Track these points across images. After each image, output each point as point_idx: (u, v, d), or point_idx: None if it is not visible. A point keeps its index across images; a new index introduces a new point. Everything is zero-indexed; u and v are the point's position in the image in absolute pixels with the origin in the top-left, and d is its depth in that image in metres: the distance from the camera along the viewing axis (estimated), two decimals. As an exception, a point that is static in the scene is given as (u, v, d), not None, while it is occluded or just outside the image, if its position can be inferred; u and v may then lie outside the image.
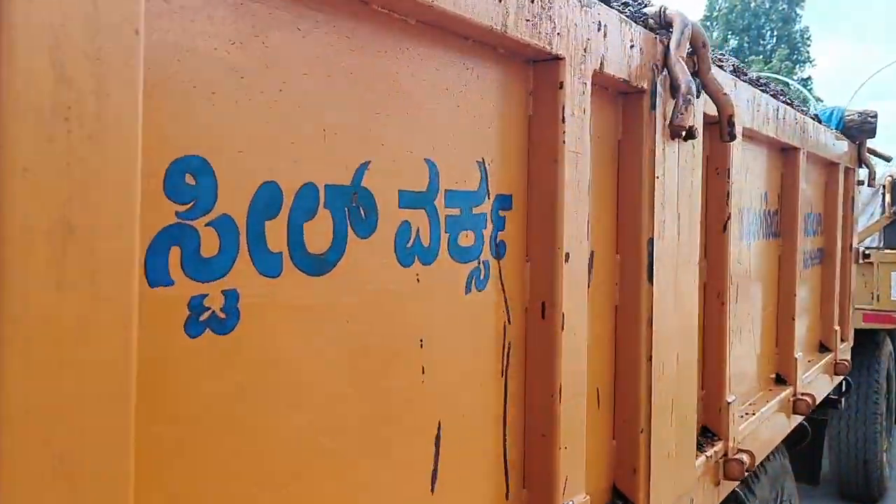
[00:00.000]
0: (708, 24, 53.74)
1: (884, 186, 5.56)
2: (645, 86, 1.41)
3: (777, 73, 41.55)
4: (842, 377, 3.16)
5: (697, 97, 1.56)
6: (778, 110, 2.30)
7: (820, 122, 3.42)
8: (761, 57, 46.53)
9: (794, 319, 2.49)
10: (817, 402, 3.01)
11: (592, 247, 1.26)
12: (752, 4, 51.57)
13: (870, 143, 3.89)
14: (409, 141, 0.97)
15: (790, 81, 40.27)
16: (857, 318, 5.67)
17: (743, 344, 2.15)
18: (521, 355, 1.16)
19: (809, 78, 49.59)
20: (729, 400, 1.87)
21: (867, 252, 3.67)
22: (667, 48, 1.44)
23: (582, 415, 1.21)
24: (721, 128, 1.62)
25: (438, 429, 1.00)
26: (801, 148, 2.49)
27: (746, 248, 2.19)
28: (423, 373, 0.98)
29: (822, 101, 46.27)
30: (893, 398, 6.25)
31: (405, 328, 0.96)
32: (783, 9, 51.24)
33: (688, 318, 1.62)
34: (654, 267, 1.41)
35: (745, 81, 2.08)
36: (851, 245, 3.45)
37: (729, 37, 51.89)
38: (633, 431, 1.41)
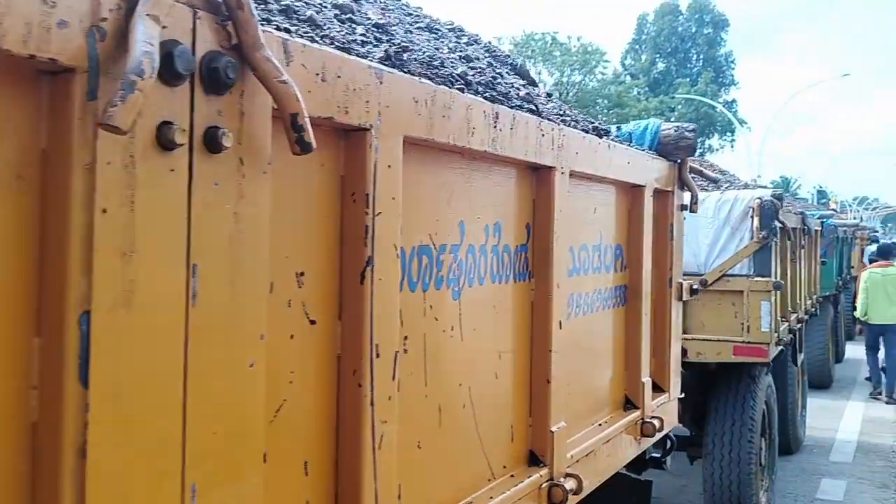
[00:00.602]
0: (637, 47, 55.12)
1: (752, 209, 5.24)
2: (76, 63, 0.87)
3: (703, 95, 42.82)
4: (655, 436, 2.69)
5: (231, 83, 1.03)
6: (514, 120, 1.81)
7: (630, 138, 2.99)
8: (688, 80, 47.96)
9: (549, 383, 2.00)
10: (619, 468, 2.53)
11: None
12: (679, 29, 53.22)
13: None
14: None
15: (716, 105, 41.54)
16: (726, 351, 5.33)
17: (447, 436, 1.64)
18: None
19: (734, 100, 51.36)
20: None
21: (696, 289, 3.22)
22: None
23: None
24: (287, 134, 1.09)
25: None
26: (555, 167, 2.02)
27: (452, 298, 1.68)
28: None
29: (745, 122, 48.01)
30: (775, 433, 5.93)
31: None
32: (708, 33, 53.11)
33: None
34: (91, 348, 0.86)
35: (431, 76, 1.57)
36: (672, 279, 3.01)
37: (657, 59, 53.35)
38: None
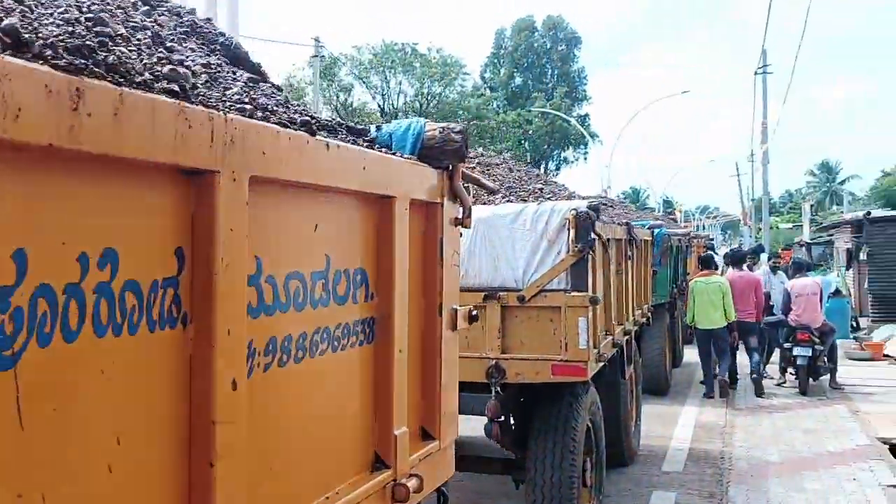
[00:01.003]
0: (496, 61, 56.57)
1: (568, 221, 5.03)
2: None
3: (558, 109, 44.51)
4: (412, 499, 2.23)
5: None
6: (123, 102, 1.26)
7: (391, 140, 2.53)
8: (544, 94, 49.72)
9: (212, 466, 1.47)
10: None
11: None
12: (535, 44, 55.19)
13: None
14: None
15: (570, 119, 43.25)
16: (545, 370, 5.07)
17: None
18: None
19: (587, 115, 53.83)
20: None
21: (475, 314, 2.81)
22: None
23: None
24: None
25: None
26: (218, 171, 1.50)
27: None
28: None
29: (597, 136, 50.48)
30: (602, 451, 5.75)
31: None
32: (562, 49, 55.41)
33: None
34: None
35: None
36: (443, 306, 2.59)
37: (515, 74, 54.99)
38: None
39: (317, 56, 27.13)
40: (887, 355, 13.36)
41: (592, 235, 4.99)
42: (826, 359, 10.41)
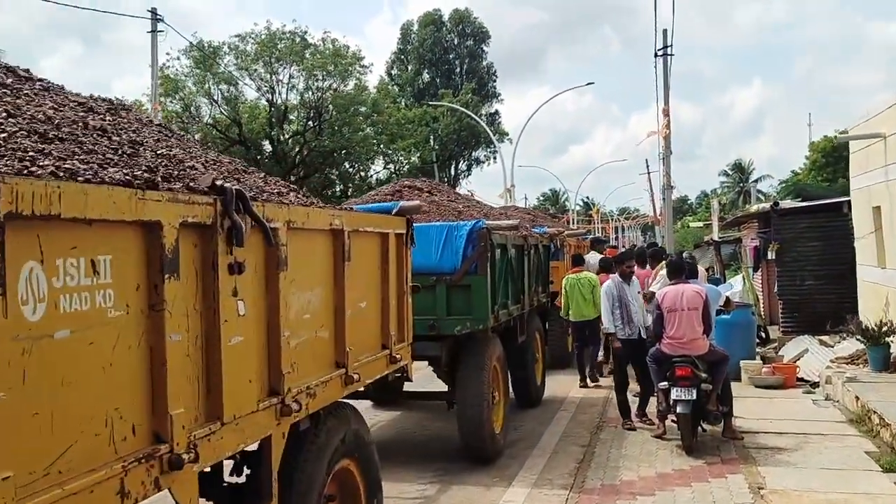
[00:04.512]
0: (403, 57, 59.99)
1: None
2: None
3: (466, 106, 48.01)
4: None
5: None
6: None
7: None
8: (451, 91, 53.35)
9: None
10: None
11: None
12: (443, 40, 59.03)
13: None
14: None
15: (474, 116, 46.26)
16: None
17: None
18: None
19: (497, 112, 58.20)
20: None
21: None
22: None
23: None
24: None
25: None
26: None
27: None
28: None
29: (507, 134, 54.55)
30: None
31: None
32: (470, 45, 59.60)
33: None
34: None
35: None
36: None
37: (423, 70, 58.67)
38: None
39: (153, 31, 25.90)
40: (801, 380, 11.81)
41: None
42: (718, 400, 8.39)
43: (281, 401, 3.49)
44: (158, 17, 25.79)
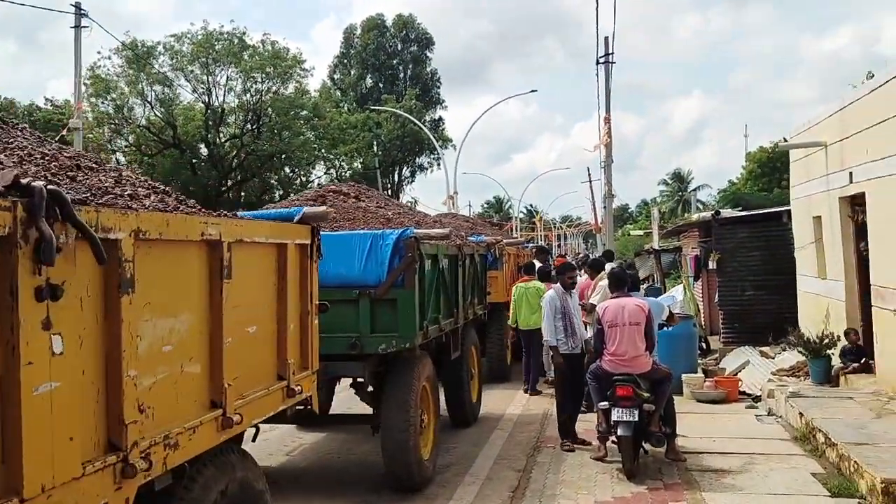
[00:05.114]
0: (346, 61, 59.12)
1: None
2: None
3: (410, 112, 47.49)
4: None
5: None
6: None
7: None
8: (395, 96, 52.78)
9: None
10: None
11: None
12: (386, 45, 58.39)
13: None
14: None
15: (416, 122, 45.86)
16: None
17: None
18: None
19: (441, 119, 57.76)
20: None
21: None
22: None
23: None
24: None
25: None
26: None
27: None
28: None
29: (451, 140, 54.19)
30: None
31: None
32: (414, 50, 59.08)
33: None
34: None
35: None
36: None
37: (366, 75, 57.89)
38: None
39: (77, 27, 24.64)
40: (744, 393, 11.45)
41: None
42: (660, 420, 7.87)
43: (122, 458, 2.75)
44: (83, 11, 24.61)
